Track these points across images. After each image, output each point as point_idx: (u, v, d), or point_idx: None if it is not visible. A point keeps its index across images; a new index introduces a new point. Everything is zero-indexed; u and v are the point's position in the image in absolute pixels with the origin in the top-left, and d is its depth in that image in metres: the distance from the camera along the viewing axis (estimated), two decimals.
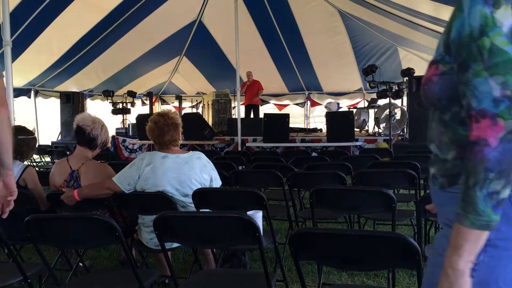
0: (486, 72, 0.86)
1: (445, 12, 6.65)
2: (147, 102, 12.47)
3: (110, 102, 11.09)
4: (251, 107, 11.01)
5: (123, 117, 11.37)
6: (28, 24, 7.78)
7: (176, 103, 13.78)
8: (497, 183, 0.84)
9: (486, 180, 0.84)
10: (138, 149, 9.42)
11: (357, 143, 8.23)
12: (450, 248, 0.90)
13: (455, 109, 0.98)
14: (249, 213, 2.30)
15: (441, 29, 7.89)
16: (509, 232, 0.91)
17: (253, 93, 10.88)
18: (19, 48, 7.99)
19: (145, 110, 12.48)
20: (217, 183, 2.79)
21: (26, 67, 9.45)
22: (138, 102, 12.74)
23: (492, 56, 0.85)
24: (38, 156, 8.35)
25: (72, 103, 10.16)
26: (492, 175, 0.84)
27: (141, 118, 8.52)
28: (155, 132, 2.66)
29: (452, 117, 0.99)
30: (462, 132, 0.97)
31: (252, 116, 10.88)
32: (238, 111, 8.48)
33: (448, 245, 0.92)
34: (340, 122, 8.01)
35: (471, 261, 0.89)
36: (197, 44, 11.53)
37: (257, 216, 2.34)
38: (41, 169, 7.10)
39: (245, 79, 10.91)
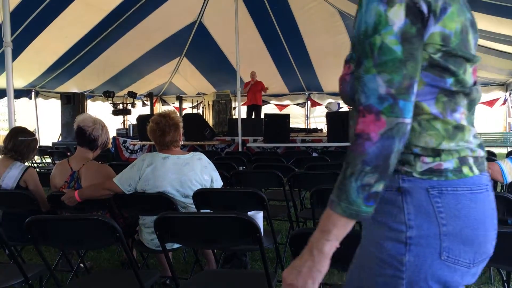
0: (375, 69, 0.87)
1: None
2: (148, 102, 12.49)
3: (110, 103, 11.11)
4: (254, 107, 11.01)
5: (123, 118, 11.38)
6: (28, 24, 7.80)
7: (177, 104, 13.80)
8: (371, 177, 0.87)
9: (362, 173, 0.87)
10: (138, 150, 9.42)
11: None
12: (319, 231, 0.92)
13: None
14: (249, 213, 2.30)
15: None
16: (430, 229, 0.92)
17: (257, 92, 10.88)
18: (18, 48, 8.00)
19: (146, 111, 12.50)
20: (218, 183, 2.79)
21: (26, 68, 9.46)
22: (138, 103, 12.75)
23: (381, 54, 0.87)
24: (38, 157, 8.36)
25: (72, 104, 10.17)
26: (368, 168, 0.87)
27: (141, 118, 8.52)
28: (157, 133, 2.66)
29: None
30: None
31: (254, 116, 10.88)
32: (239, 111, 8.49)
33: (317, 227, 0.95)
34: (341, 122, 8.00)
35: (336, 246, 0.92)
36: (197, 44, 11.54)
37: (258, 217, 2.34)
38: (41, 170, 7.10)
39: (245, 79, 10.92)
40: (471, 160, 0.96)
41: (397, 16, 0.87)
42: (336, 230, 0.90)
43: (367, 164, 0.87)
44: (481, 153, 0.99)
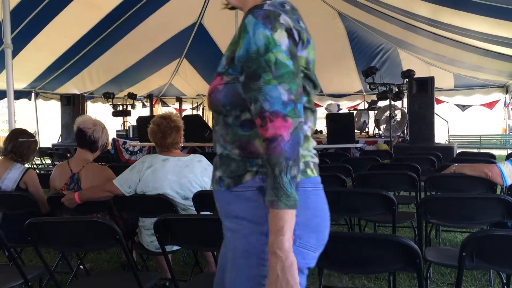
0: (275, 81, 1.03)
1: (443, 14, 6.66)
2: (148, 104, 12.47)
3: (110, 104, 11.10)
4: None
5: (123, 119, 11.37)
6: (27, 23, 7.79)
7: (177, 105, 13.79)
8: (294, 169, 1.02)
9: (288, 167, 1.01)
10: (138, 151, 9.42)
11: (358, 145, 8.22)
12: (272, 234, 1.02)
13: (236, 113, 1.14)
14: None
15: (439, 31, 7.93)
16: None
17: None
18: (17, 47, 7.98)
19: (146, 112, 12.49)
20: None
21: (26, 69, 9.45)
22: (138, 104, 12.74)
23: (278, 68, 1.04)
24: (38, 158, 8.36)
25: (72, 105, 10.17)
26: (290, 162, 1.01)
27: (141, 120, 8.51)
28: (157, 135, 2.66)
29: (234, 120, 1.16)
30: (242, 133, 1.14)
31: None
32: None
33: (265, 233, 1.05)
34: (341, 124, 8.00)
35: (291, 237, 1.02)
36: (198, 46, 11.54)
37: None
38: (41, 172, 7.10)
39: None
40: (311, 164, 1.17)
41: (282, 38, 1.05)
42: (287, 224, 1.01)
43: (289, 159, 1.01)
44: (316, 159, 1.21)
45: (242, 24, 1.11)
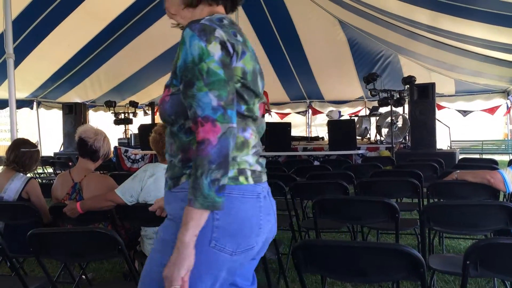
0: (206, 88, 1.11)
1: (443, 21, 6.68)
2: (149, 112, 12.50)
3: (112, 113, 11.12)
4: None
5: (125, 127, 11.39)
6: (29, 33, 7.83)
7: None
8: (218, 172, 1.09)
9: (209, 170, 1.08)
10: (140, 159, 9.42)
11: (359, 151, 8.21)
12: (182, 227, 1.11)
13: (181, 122, 1.23)
14: None
15: (439, 38, 7.95)
16: (207, 222, 1.13)
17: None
18: (19, 57, 8.03)
19: (147, 120, 12.51)
20: None
21: (28, 78, 9.49)
22: (140, 112, 12.76)
23: (209, 76, 1.12)
24: (40, 167, 8.37)
25: (74, 114, 10.19)
26: (213, 166, 1.08)
27: (143, 128, 8.53)
28: (159, 144, 2.66)
29: (179, 128, 1.25)
30: (185, 140, 1.23)
31: None
32: None
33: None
34: (342, 130, 8.00)
35: (195, 235, 1.10)
36: None
37: None
38: (43, 181, 7.11)
39: None
40: (248, 172, 1.22)
41: (215, 49, 1.14)
42: (192, 222, 1.10)
43: (212, 163, 1.08)
44: (258, 168, 1.26)
45: (181, 37, 1.19)
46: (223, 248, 1.17)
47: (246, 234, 1.20)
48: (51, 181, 3.47)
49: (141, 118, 12.86)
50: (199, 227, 1.11)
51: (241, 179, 1.20)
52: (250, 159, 1.24)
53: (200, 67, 1.13)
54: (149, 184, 2.57)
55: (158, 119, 13.39)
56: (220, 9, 1.33)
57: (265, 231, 1.26)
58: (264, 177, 1.29)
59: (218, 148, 1.09)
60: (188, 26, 1.17)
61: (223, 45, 1.16)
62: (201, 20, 1.18)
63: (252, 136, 1.25)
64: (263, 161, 1.31)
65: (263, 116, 1.32)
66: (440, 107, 11.50)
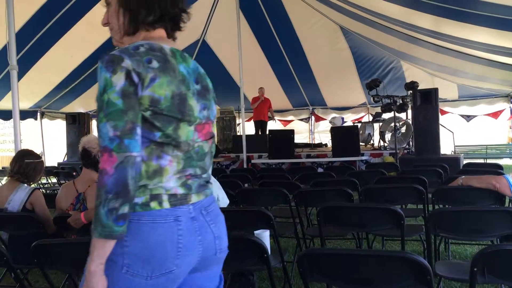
0: (105, 119, 1.14)
1: (445, 26, 6.69)
2: None
3: None
4: (261, 123, 11.00)
5: None
6: (33, 45, 7.90)
7: None
8: (115, 202, 1.10)
9: (106, 200, 1.10)
10: None
11: (363, 158, 8.20)
12: (89, 256, 1.14)
13: None
14: (256, 232, 2.29)
15: (441, 43, 7.95)
16: (117, 249, 1.16)
17: (265, 109, 10.89)
18: (23, 69, 8.10)
19: None
20: (224, 202, 2.78)
21: (32, 89, 9.55)
22: None
23: (108, 107, 1.15)
24: (44, 177, 8.38)
25: (78, 124, 10.24)
26: (110, 195, 1.10)
27: None
28: None
29: None
30: None
31: (260, 132, 10.87)
32: (243, 128, 8.50)
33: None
34: (345, 137, 8.00)
35: (101, 263, 1.13)
36: (201, 62, 11.41)
37: (264, 236, 2.32)
38: (47, 191, 7.12)
39: (249, 96, 10.95)
40: (164, 197, 1.22)
41: (119, 80, 1.16)
42: (96, 251, 1.13)
43: (109, 193, 1.10)
44: (181, 191, 1.26)
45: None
46: (136, 273, 1.18)
47: (160, 258, 1.19)
48: (55, 192, 3.47)
49: None
50: (103, 255, 1.13)
51: (153, 204, 1.20)
52: (170, 184, 1.24)
53: (102, 98, 1.16)
54: None
55: None
56: (159, 32, 1.34)
57: (194, 252, 1.26)
58: (194, 198, 1.29)
59: (114, 178, 1.10)
60: (100, 58, 1.20)
61: (128, 74, 1.17)
62: (114, 50, 1.21)
63: (172, 163, 1.24)
64: (194, 183, 1.30)
65: (211, 137, 1.41)
66: (444, 112, 11.48)
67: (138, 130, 1.16)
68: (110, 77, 1.16)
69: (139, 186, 1.19)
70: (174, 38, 1.42)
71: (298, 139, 12.00)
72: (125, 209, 1.12)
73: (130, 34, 1.34)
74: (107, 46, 9.06)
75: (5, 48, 5.11)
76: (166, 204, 1.22)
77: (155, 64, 1.23)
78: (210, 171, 1.45)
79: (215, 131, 1.31)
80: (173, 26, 1.38)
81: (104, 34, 8.63)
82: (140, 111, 1.18)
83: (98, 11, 7.75)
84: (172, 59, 1.29)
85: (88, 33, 8.32)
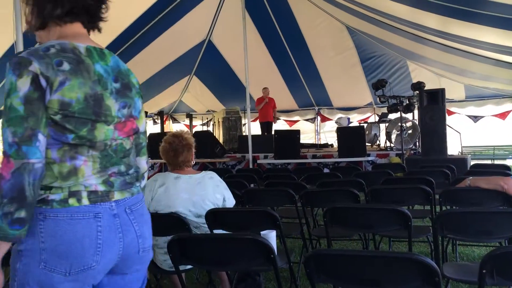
0: (6, 124, 1.15)
1: (452, 26, 6.65)
2: (158, 121, 12.57)
3: None
4: (267, 123, 11.00)
5: None
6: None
7: (187, 122, 13.87)
8: (10, 206, 1.12)
9: (1, 204, 1.12)
10: (149, 168, 9.46)
11: (369, 158, 8.17)
12: None
13: None
14: (262, 233, 2.29)
15: (449, 43, 7.91)
16: (34, 244, 1.19)
17: (270, 109, 10.89)
18: None
19: (157, 129, 12.58)
20: (231, 202, 2.78)
21: None
22: (149, 121, 12.85)
23: (10, 112, 1.14)
24: None
25: None
26: (5, 200, 1.12)
27: (152, 137, 8.57)
28: (170, 153, 2.67)
29: None
30: None
31: (267, 132, 10.86)
32: (249, 128, 8.50)
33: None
34: (351, 137, 7.97)
35: None
36: (207, 63, 11.64)
37: (271, 236, 2.32)
38: None
39: (255, 96, 10.94)
40: (84, 194, 1.24)
41: (23, 84, 1.15)
42: None
43: (4, 197, 1.12)
44: (102, 188, 1.28)
45: None
46: (54, 269, 1.20)
47: (78, 254, 1.21)
48: None
49: (150, 127, 12.94)
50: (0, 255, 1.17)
51: (71, 201, 1.22)
52: (91, 181, 1.26)
53: (6, 102, 1.16)
54: (159, 193, 2.57)
55: (167, 128, 13.47)
56: (74, 27, 1.33)
57: (114, 249, 1.28)
58: (117, 196, 1.31)
59: (11, 183, 1.12)
60: (8, 60, 1.18)
61: (34, 79, 1.16)
62: (23, 51, 1.19)
63: (87, 162, 1.26)
64: (117, 180, 1.33)
65: (135, 133, 1.45)
66: (451, 113, 11.41)
67: (40, 137, 1.17)
68: (16, 81, 1.15)
69: (55, 186, 1.21)
70: (99, 29, 1.44)
71: (304, 139, 11.98)
72: (21, 213, 1.14)
73: (40, 29, 1.32)
74: (113, 47, 9.11)
75: (12, 47, 5.15)
76: (85, 201, 1.24)
77: (66, 66, 1.21)
78: (141, 166, 1.49)
79: (143, 126, 1.29)
80: (90, 18, 1.38)
81: (110, 36, 8.68)
82: (45, 116, 1.18)
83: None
84: (87, 59, 1.28)
85: (94, 35, 8.29)
